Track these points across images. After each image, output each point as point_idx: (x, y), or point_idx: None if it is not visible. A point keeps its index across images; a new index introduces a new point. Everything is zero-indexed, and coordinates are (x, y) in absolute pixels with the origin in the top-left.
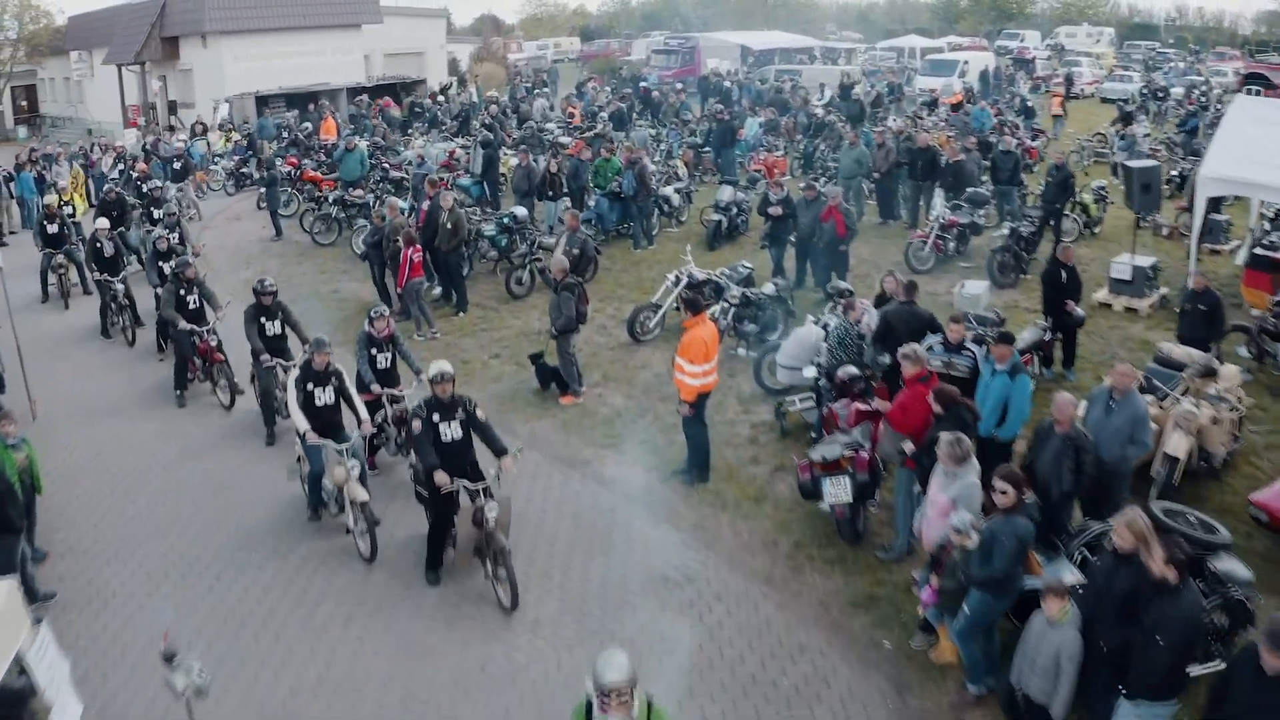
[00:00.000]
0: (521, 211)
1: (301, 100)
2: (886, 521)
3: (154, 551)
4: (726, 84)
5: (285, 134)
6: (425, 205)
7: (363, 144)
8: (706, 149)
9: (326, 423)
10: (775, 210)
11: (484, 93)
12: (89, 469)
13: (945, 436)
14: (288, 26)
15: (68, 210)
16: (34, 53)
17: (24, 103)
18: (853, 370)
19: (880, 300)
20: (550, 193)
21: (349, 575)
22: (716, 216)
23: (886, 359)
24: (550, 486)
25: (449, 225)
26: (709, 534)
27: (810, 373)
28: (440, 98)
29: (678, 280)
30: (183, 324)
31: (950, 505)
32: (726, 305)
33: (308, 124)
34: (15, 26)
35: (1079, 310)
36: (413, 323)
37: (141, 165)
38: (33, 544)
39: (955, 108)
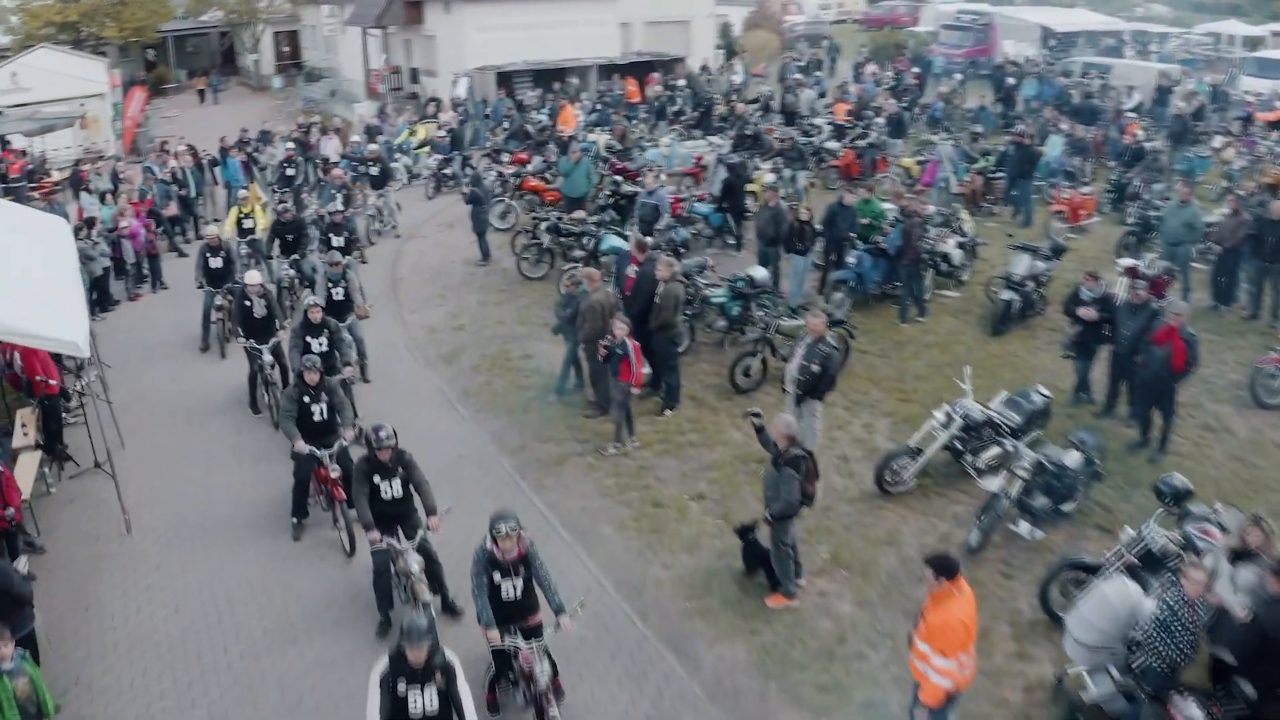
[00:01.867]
0: (761, 274)
1: (547, 77)
2: None
3: None
4: (1009, 80)
5: (507, 123)
6: (631, 270)
7: (601, 139)
8: (999, 174)
9: None
10: (1088, 313)
11: (751, 69)
12: (160, 631)
13: None
14: None
15: (248, 224)
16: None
17: (286, 49)
18: (1195, 715)
19: (1238, 555)
20: (800, 245)
21: None
22: (1008, 295)
23: (1250, 693)
24: None
25: (658, 300)
26: None
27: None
28: (672, 83)
29: (948, 419)
30: (299, 444)
31: None
32: (1013, 475)
33: (541, 116)
34: None
35: None
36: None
37: (337, 171)
38: None
39: (1275, 125)
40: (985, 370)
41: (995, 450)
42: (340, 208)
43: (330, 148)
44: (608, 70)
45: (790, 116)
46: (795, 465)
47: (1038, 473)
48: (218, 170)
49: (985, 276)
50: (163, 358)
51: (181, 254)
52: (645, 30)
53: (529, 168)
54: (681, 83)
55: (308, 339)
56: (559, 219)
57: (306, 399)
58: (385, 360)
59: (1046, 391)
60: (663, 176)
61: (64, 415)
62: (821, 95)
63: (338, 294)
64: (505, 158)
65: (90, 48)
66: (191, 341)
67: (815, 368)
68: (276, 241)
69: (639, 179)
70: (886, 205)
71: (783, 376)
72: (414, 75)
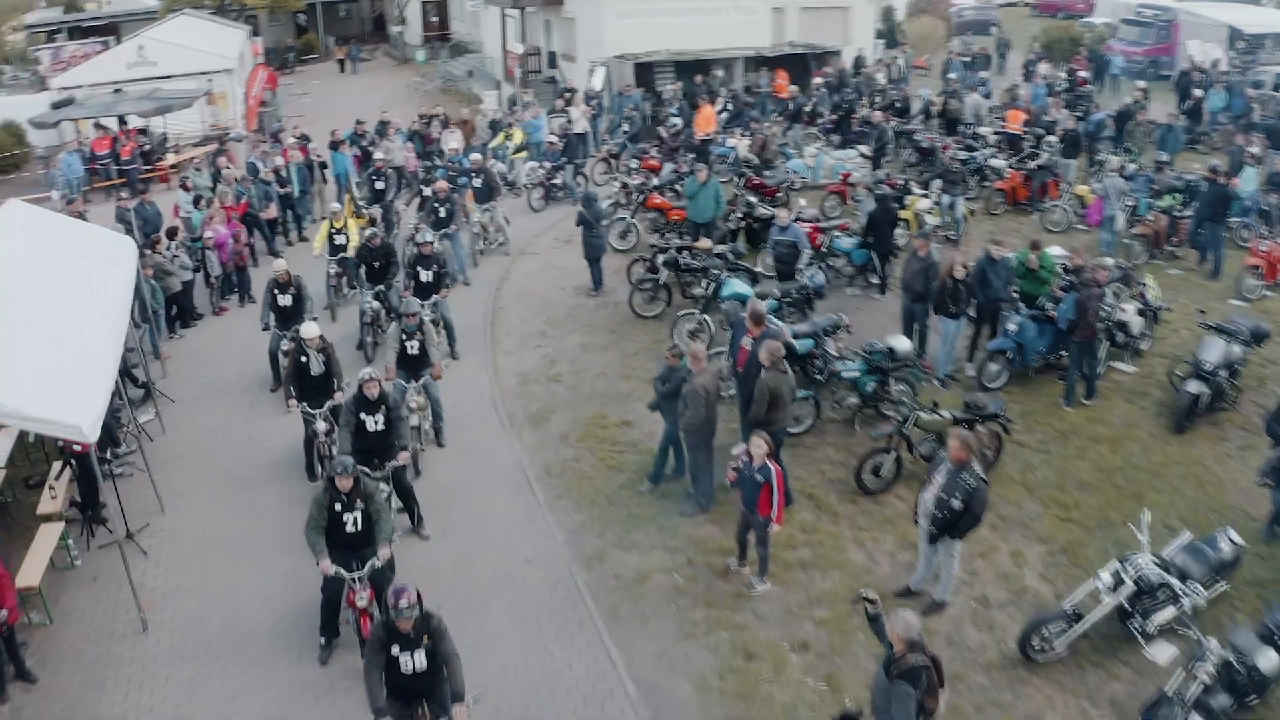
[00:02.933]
0: (903, 346)
1: (690, 69)
2: None
3: None
4: (1196, 91)
5: (627, 124)
6: (747, 342)
7: (741, 145)
8: (1185, 214)
9: None
10: None
11: (913, 61)
12: None
13: None
14: None
15: (339, 240)
16: None
17: (434, 19)
18: None
19: None
20: (953, 308)
21: None
22: (1195, 388)
23: None
24: None
25: (756, 393)
26: None
27: None
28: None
29: (1117, 582)
30: (324, 563)
31: None
32: (1192, 675)
33: (677, 120)
34: None
35: None
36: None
37: (441, 184)
38: None
39: None
40: (1163, 481)
41: (1170, 612)
42: (429, 237)
43: (453, 142)
44: (755, 63)
45: (952, 125)
46: (913, 679)
47: (1223, 672)
48: (326, 171)
49: (1168, 345)
50: (229, 395)
51: (278, 257)
52: (800, 17)
53: (657, 179)
54: (818, 80)
55: (362, 415)
56: (679, 251)
57: (338, 507)
58: (467, 417)
59: (1238, 539)
60: (801, 202)
61: (107, 466)
62: (987, 97)
63: (412, 348)
64: (634, 164)
65: (235, 14)
66: (262, 375)
67: (956, 503)
68: (362, 268)
69: (778, 196)
70: (1056, 252)
71: (917, 499)
72: (552, 59)
